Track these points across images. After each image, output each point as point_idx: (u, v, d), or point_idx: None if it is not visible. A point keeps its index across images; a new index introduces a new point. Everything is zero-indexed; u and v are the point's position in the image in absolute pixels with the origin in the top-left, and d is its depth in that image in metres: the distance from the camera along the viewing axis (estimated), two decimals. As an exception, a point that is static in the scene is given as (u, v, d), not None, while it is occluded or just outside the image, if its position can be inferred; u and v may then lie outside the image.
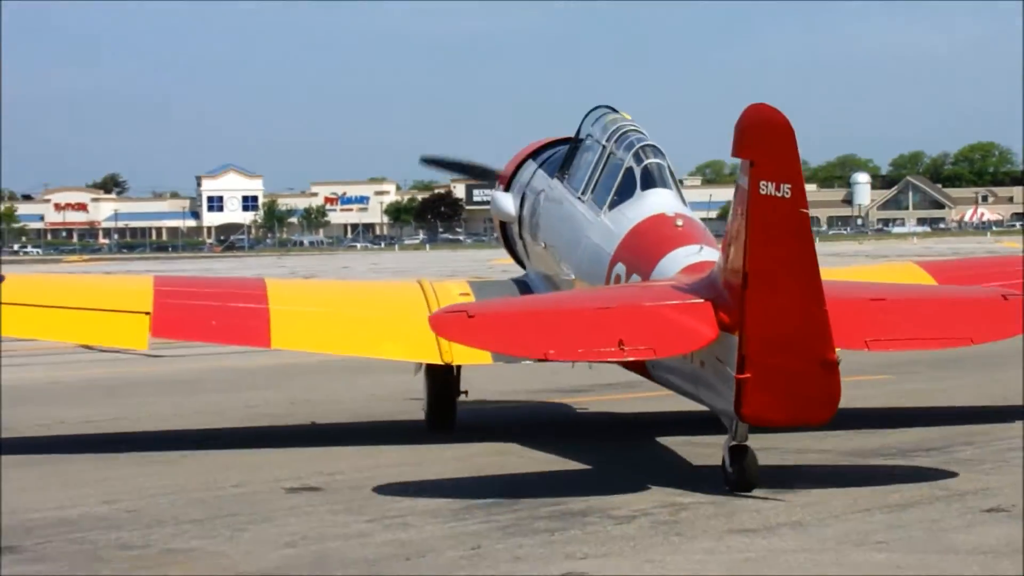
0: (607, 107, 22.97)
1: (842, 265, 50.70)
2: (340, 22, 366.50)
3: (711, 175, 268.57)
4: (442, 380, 21.38)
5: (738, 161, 15.41)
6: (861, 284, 21.16)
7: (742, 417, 15.59)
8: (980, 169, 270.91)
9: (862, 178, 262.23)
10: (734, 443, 15.88)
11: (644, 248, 18.98)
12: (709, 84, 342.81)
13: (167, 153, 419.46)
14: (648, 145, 21.31)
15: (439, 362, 19.91)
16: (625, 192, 20.64)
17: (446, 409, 21.57)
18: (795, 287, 15.45)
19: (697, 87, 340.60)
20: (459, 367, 21.09)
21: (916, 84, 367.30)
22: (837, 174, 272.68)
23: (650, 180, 20.63)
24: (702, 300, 16.99)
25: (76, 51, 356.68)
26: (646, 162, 20.80)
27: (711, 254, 18.60)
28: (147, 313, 20.74)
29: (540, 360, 19.71)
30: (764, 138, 15.41)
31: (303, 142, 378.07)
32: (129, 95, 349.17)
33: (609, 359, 18.48)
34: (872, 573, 11.37)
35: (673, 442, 18.97)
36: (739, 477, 15.81)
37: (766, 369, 15.65)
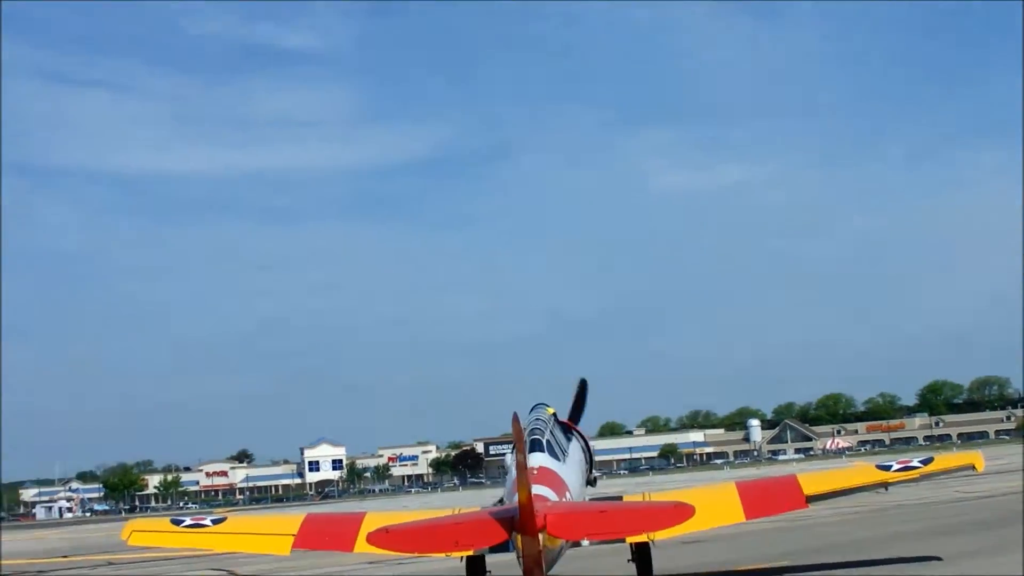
0: (542, 404, 25.46)
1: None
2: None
3: (650, 427, 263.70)
4: (473, 559, 23.02)
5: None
6: (586, 503, 23.12)
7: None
8: (833, 412, 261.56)
9: (754, 423, 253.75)
10: None
11: (513, 485, 19.75)
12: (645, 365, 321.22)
13: (280, 432, 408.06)
14: (534, 430, 23.60)
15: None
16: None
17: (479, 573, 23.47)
18: (528, 513, 18.45)
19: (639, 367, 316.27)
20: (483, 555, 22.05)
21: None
22: (737, 420, 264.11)
23: (533, 447, 22.82)
24: (509, 516, 19.59)
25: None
26: (528, 437, 22.61)
27: (541, 490, 21.09)
28: (293, 534, 23.84)
29: (423, 554, 23.21)
30: (515, 431, 18.73)
31: (371, 418, 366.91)
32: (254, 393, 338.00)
33: (450, 552, 20.99)
34: None
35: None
36: None
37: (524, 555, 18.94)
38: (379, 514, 25.29)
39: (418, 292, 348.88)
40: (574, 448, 25.09)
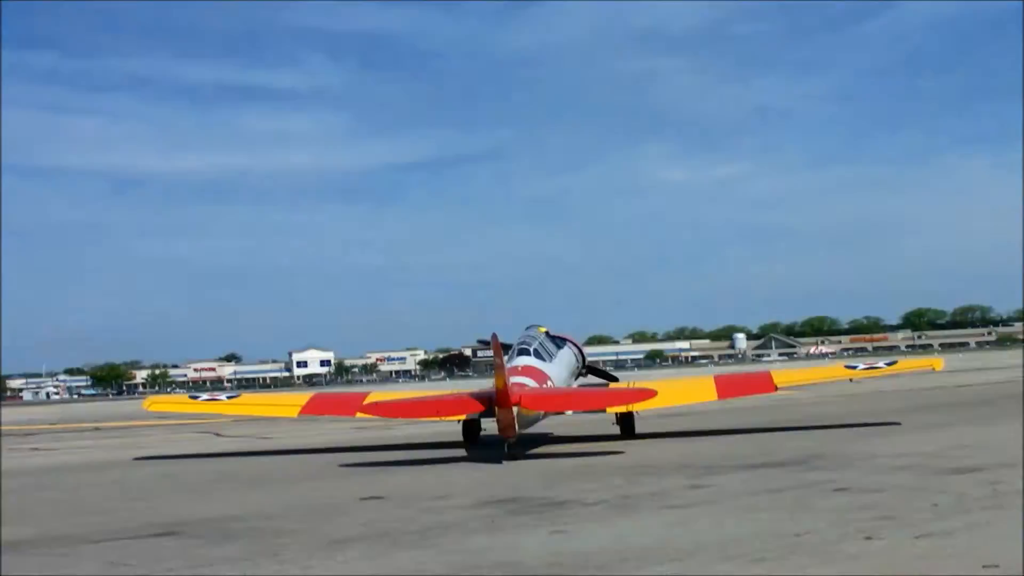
0: (534, 325, 28.72)
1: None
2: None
3: (638, 338, 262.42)
4: (468, 422, 25.95)
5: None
6: (552, 388, 25.27)
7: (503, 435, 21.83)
8: (818, 328, 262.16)
9: (740, 335, 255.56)
10: (507, 443, 21.86)
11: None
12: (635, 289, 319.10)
13: (268, 338, 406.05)
14: (522, 342, 27.14)
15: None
16: (512, 356, 26.14)
17: (473, 436, 26.30)
18: (504, 392, 21.39)
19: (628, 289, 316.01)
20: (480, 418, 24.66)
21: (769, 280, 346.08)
22: (723, 335, 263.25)
23: (520, 354, 26.37)
24: (487, 395, 22.83)
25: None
26: (518, 347, 26.75)
27: (522, 379, 23.90)
28: (300, 405, 26.63)
29: (411, 420, 28.40)
30: (494, 345, 21.75)
31: (361, 330, 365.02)
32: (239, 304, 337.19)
33: (433, 418, 24.25)
34: (759, 522, 11.51)
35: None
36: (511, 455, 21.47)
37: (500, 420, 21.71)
38: (380, 392, 28.57)
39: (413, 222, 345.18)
40: (564, 353, 28.29)
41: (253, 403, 29.03)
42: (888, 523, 11.37)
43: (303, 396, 27.90)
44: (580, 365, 29.73)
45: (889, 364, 26.87)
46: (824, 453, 19.09)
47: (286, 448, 28.05)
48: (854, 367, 26.86)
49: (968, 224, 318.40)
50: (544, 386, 25.03)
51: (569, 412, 27.06)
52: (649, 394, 23.58)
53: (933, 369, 27.37)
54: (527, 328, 28.61)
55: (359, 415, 25.47)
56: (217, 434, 35.19)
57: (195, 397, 29.11)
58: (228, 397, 28.72)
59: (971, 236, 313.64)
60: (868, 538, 10.61)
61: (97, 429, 45.06)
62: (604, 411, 25.08)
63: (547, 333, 28.40)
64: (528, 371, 25.18)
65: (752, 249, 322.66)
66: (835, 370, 28.80)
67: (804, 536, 10.86)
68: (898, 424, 25.29)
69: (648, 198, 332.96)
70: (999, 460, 16.60)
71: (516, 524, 12.60)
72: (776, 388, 25.40)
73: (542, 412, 24.18)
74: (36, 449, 32.13)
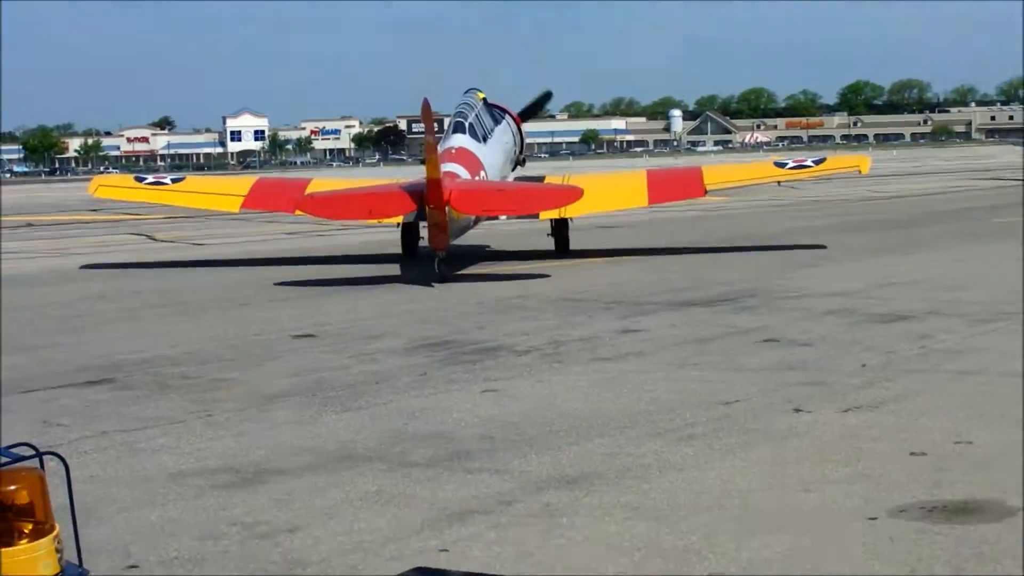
0: (474, 88, 27.60)
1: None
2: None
3: (574, 111, 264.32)
4: (406, 225, 24.91)
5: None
6: (486, 182, 24.45)
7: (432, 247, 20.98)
8: (755, 106, 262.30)
9: (676, 113, 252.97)
10: (437, 258, 20.80)
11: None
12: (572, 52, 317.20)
13: (202, 97, 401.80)
14: (458, 112, 26.15)
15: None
16: (447, 133, 26.00)
17: (411, 248, 25.76)
18: (435, 185, 20.64)
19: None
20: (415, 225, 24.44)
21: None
22: (660, 110, 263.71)
23: (456, 129, 25.59)
24: (419, 190, 21.85)
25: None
26: (453, 120, 25.99)
27: (454, 167, 23.32)
28: (243, 195, 25.77)
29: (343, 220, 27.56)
30: (424, 111, 21.13)
31: (295, 88, 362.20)
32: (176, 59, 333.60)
33: (364, 219, 24.55)
34: (688, 386, 11.48)
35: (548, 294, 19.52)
36: (440, 275, 20.63)
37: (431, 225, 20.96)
38: (324, 180, 28.02)
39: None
40: (502, 131, 27.03)
41: (197, 189, 28.33)
42: (816, 391, 11.39)
43: (246, 181, 27.70)
44: (518, 150, 28.79)
45: (817, 162, 27.27)
46: (753, 290, 18.96)
47: (221, 258, 27.81)
48: (783, 164, 27.42)
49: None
50: (477, 178, 24.28)
51: (503, 217, 26.65)
52: (576, 193, 23.40)
53: (859, 171, 27.92)
54: (465, 92, 27.62)
55: (298, 212, 25.07)
56: (151, 237, 34.94)
57: (140, 179, 28.87)
58: (173, 180, 28.26)
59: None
60: (797, 410, 10.60)
61: (30, 225, 44.45)
62: (537, 216, 24.82)
63: (485, 101, 27.37)
64: (461, 155, 24.43)
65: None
66: (764, 168, 29.17)
67: (733, 406, 10.86)
68: (824, 248, 25.30)
69: None
70: (928, 305, 16.66)
71: (448, 379, 12.55)
72: (705, 192, 25.75)
73: (473, 217, 23.73)
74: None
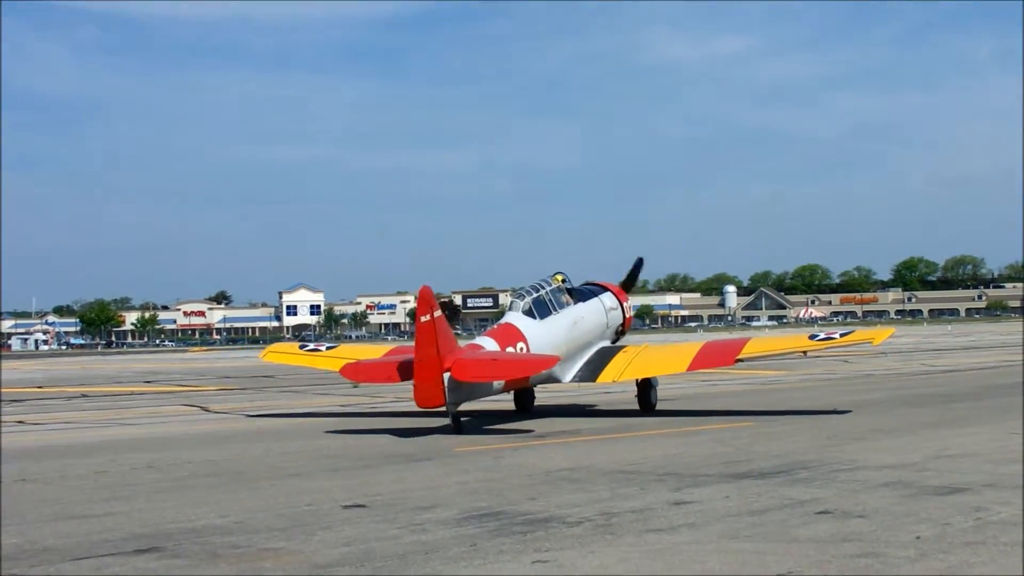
0: (558, 272, 28.64)
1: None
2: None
3: (668, 284, 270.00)
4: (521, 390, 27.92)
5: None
6: (486, 352, 25.20)
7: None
8: (809, 282, 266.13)
9: (730, 288, 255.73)
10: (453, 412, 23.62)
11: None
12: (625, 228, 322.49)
13: (259, 277, 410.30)
14: (517, 293, 27.90)
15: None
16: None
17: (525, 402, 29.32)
18: (426, 361, 22.74)
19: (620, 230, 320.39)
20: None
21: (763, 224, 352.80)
22: (714, 286, 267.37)
23: (509, 307, 27.24)
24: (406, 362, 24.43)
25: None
26: (512, 299, 27.71)
27: (484, 340, 25.58)
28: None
29: (385, 384, 27.86)
30: (422, 298, 22.97)
31: (352, 264, 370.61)
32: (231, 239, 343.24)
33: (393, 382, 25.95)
34: (741, 557, 11.34)
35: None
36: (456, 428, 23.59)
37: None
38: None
39: (403, 145, 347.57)
40: (581, 309, 28.29)
41: (346, 355, 29.92)
42: (870, 562, 11.22)
43: (382, 350, 30.54)
44: (612, 322, 29.67)
45: (843, 335, 28.15)
46: (807, 462, 18.76)
47: (272, 428, 27.88)
48: (815, 336, 28.50)
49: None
50: (509, 349, 25.34)
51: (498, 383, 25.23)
52: (552, 361, 25.01)
53: (871, 343, 28.94)
54: (548, 278, 28.33)
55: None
56: (204, 408, 35.12)
57: (303, 347, 33.33)
58: (327, 347, 32.21)
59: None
60: (850, 583, 10.31)
61: (84, 396, 44.96)
62: (528, 380, 26.41)
63: (563, 281, 28.39)
64: (500, 330, 26.09)
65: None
66: (797, 340, 29.59)
67: (785, 579, 10.68)
68: (879, 420, 25.17)
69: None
70: (984, 477, 16.46)
71: (498, 549, 12.40)
72: (735, 362, 27.36)
73: (494, 383, 24.71)
74: (22, 423, 31.67)
